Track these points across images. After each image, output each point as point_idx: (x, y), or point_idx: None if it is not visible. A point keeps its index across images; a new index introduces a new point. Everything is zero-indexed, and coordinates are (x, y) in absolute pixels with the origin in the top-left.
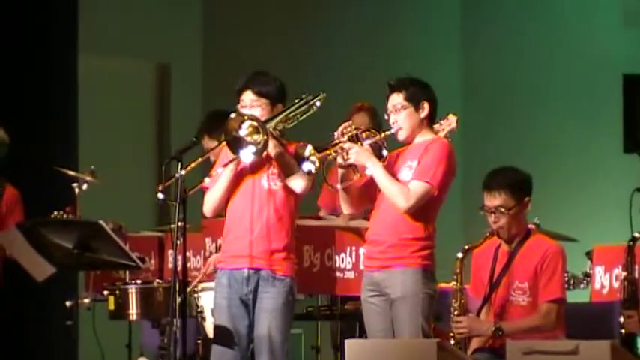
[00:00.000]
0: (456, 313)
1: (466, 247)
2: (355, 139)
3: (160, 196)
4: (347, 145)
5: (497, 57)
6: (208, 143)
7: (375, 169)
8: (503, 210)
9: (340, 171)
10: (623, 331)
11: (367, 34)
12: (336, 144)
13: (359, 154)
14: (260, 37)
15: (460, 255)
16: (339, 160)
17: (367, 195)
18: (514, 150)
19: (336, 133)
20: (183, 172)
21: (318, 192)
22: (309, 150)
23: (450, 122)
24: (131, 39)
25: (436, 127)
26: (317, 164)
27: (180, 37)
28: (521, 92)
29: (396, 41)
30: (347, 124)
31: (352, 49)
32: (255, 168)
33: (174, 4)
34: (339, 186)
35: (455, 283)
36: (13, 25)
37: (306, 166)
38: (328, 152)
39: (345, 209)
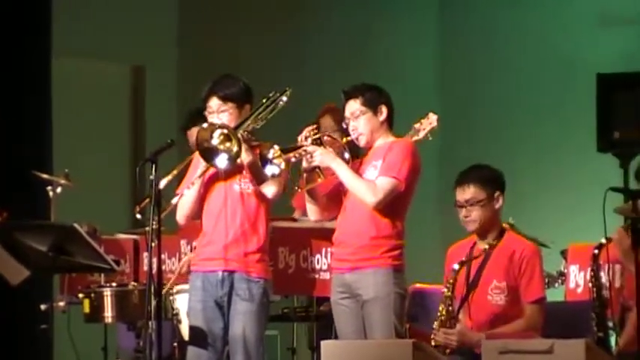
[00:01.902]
0: (442, 319)
1: (463, 259)
2: (319, 142)
3: (138, 216)
4: (310, 148)
5: (472, 56)
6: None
7: (340, 169)
8: (473, 202)
9: (305, 175)
10: (597, 331)
11: (343, 35)
12: (300, 147)
13: (323, 155)
14: (235, 39)
15: (457, 267)
16: (304, 163)
17: (334, 202)
18: (489, 149)
19: (299, 138)
20: (162, 186)
21: (293, 193)
22: (272, 152)
23: (431, 121)
24: (105, 42)
25: (417, 125)
26: (282, 166)
27: (154, 39)
28: (497, 92)
29: (372, 41)
30: (310, 128)
31: (328, 52)
32: (227, 173)
33: (148, 7)
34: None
35: (447, 290)
36: None
37: (270, 169)
38: (292, 155)
39: (312, 215)
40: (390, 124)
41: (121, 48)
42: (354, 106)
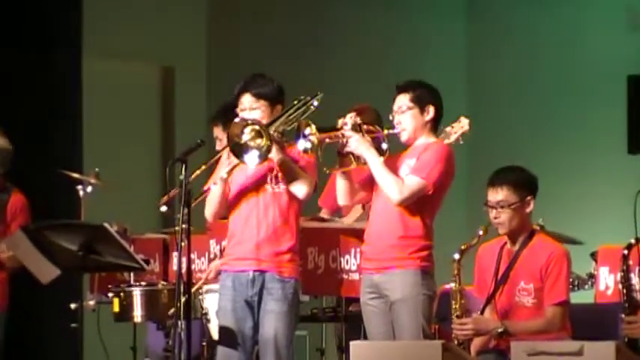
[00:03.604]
0: (456, 315)
1: (462, 247)
2: (358, 129)
3: (164, 208)
4: (348, 133)
5: (502, 58)
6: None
7: (371, 159)
8: (504, 204)
9: (338, 158)
10: (625, 337)
11: (371, 33)
12: (338, 129)
13: (358, 143)
14: (264, 39)
15: (457, 256)
16: (339, 146)
17: (365, 190)
18: (518, 150)
19: (340, 121)
20: (190, 178)
21: (320, 192)
22: (309, 129)
23: (463, 125)
24: (135, 42)
25: (448, 129)
26: (315, 143)
27: (184, 40)
28: (526, 93)
29: (399, 40)
30: (351, 115)
31: (356, 51)
32: (258, 172)
33: (178, 7)
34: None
35: (454, 284)
36: (18, 29)
37: (302, 144)
38: (328, 135)
39: (341, 199)
40: (435, 125)
41: (150, 48)
42: (402, 101)
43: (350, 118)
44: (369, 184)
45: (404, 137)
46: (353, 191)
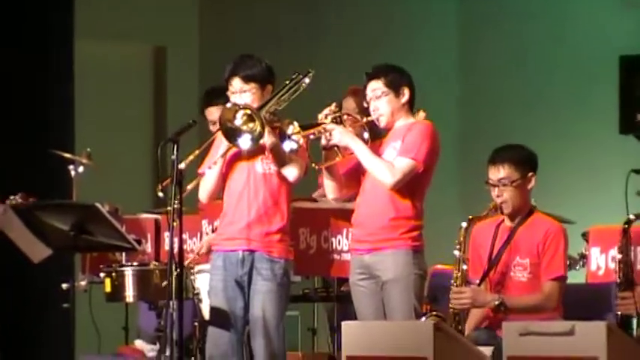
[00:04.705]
0: (457, 283)
1: (470, 217)
2: (339, 121)
3: (160, 194)
4: (330, 126)
5: (493, 37)
6: (214, 114)
7: (358, 148)
8: (506, 182)
9: (323, 152)
10: (618, 313)
11: (363, 16)
12: (319, 124)
13: (342, 134)
14: (256, 20)
15: (464, 224)
16: (323, 141)
17: (352, 180)
18: (510, 130)
19: (319, 116)
20: (183, 166)
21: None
22: (292, 128)
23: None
24: (127, 22)
25: None
26: (300, 142)
27: (176, 20)
28: (518, 73)
29: (392, 23)
30: (330, 107)
31: (348, 32)
32: (250, 153)
33: None
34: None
35: (458, 252)
36: (9, 11)
37: (288, 145)
38: (311, 132)
39: (329, 193)
40: (411, 106)
41: (142, 28)
42: (376, 86)
43: (329, 111)
44: (356, 174)
45: (382, 123)
46: (341, 184)
